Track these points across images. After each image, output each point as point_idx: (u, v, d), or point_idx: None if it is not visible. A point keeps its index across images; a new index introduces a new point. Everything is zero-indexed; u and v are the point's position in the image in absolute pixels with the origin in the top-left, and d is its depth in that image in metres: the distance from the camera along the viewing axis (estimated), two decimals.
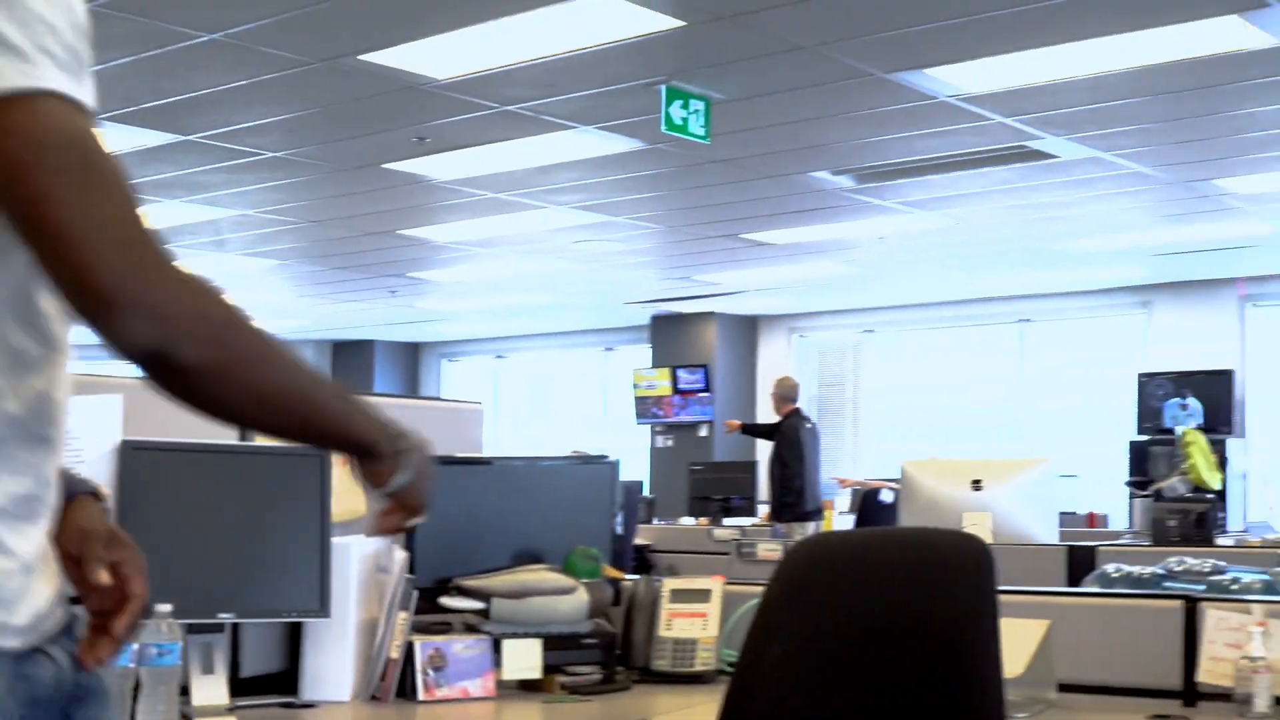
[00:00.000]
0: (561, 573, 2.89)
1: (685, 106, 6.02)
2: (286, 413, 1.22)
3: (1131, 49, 5.72)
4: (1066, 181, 8.19)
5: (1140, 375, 10.87)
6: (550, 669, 2.67)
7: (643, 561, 5.84)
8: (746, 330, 12.89)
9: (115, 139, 6.05)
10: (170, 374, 1.02)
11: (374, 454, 1.29)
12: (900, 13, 5.18)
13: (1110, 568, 3.82)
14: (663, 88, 5.83)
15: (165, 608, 1.99)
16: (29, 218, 0.95)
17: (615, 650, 2.86)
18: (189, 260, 1.02)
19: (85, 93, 0.98)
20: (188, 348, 1.00)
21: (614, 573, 3.10)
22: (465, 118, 6.50)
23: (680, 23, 5.16)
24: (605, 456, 3.63)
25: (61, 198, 0.95)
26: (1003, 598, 1.97)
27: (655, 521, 7.99)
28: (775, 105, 6.51)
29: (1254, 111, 6.65)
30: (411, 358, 15.23)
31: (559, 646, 2.74)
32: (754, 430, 10.01)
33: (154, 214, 1.22)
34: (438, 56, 5.54)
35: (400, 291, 12.24)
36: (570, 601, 2.83)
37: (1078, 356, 12.10)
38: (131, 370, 1.01)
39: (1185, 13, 5.23)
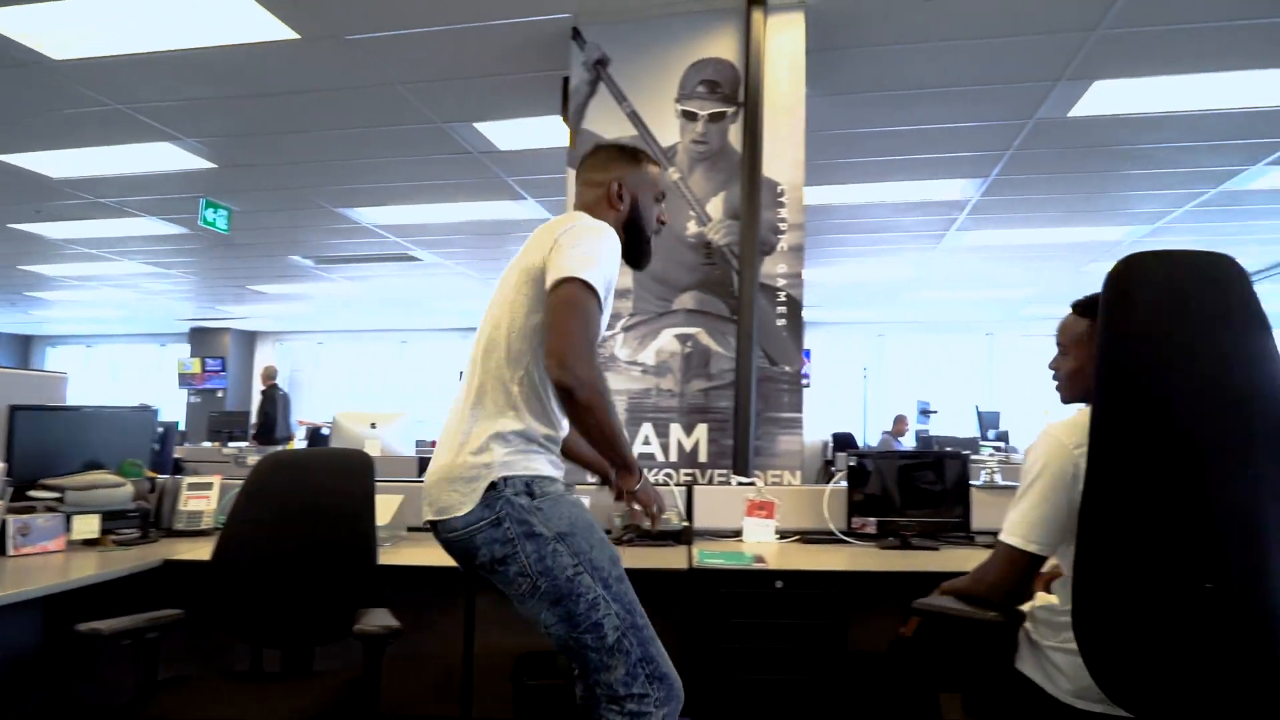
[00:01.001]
0: (116, 474, 3.03)
1: (215, 211, 6.33)
2: (604, 438, 1.70)
3: (461, 214, 6.67)
4: (426, 271, 9.11)
5: (460, 372, 12.82)
6: (106, 532, 2.80)
7: (178, 468, 5.50)
8: (249, 339, 14.42)
9: None
10: (569, 401, 1.63)
11: (629, 470, 1.81)
12: (345, 173, 5.64)
13: None
14: (202, 199, 6.17)
15: None
16: (548, 325, 1.63)
17: (150, 520, 2.99)
18: None
19: (601, 288, 1.64)
20: (584, 397, 1.61)
21: (151, 474, 3.22)
22: (70, 203, 6.45)
23: (214, 165, 5.47)
24: (149, 406, 3.90)
25: (560, 320, 1.60)
26: (380, 484, 2.34)
27: (186, 445, 8.32)
28: (272, 219, 6.95)
29: (518, 248, 8.72)
30: (25, 346, 15.57)
31: (112, 519, 2.86)
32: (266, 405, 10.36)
33: None
34: (53, 163, 5.47)
35: (18, 304, 12.16)
36: (121, 492, 2.94)
37: (450, 365, 13.61)
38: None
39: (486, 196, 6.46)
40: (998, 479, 3.18)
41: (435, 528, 1.78)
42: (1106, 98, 4.50)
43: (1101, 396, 1.50)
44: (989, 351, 13.61)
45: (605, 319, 1.74)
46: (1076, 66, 4.13)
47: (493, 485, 1.70)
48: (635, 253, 1.93)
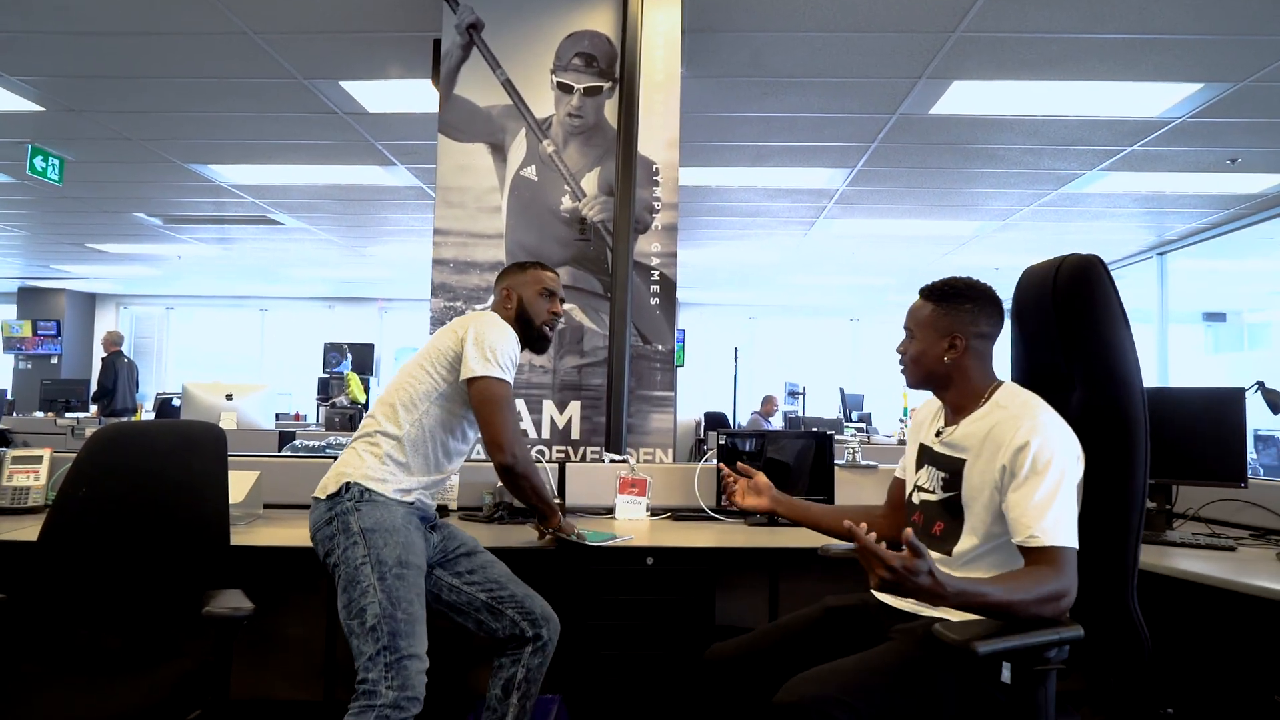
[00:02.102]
0: None
1: (45, 160, 5.93)
2: (534, 495, 2.31)
3: (326, 177, 6.62)
4: (288, 236, 8.89)
5: (325, 344, 11.85)
6: None
7: (4, 439, 5.59)
8: (88, 301, 13.31)
9: None
10: (509, 476, 2.21)
11: (552, 512, 2.44)
12: (196, 126, 5.45)
13: (298, 442, 4.46)
14: (29, 145, 5.73)
15: None
16: (480, 419, 2.16)
17: None
18: None
19: (508, 376, 2.15)
20: (521, 471, 2.21)
21: None
22: None
23: (41, 108, 5.10)
24: None
25: (489, 416, 2.15)
26: (233, 459, 2.28)
27: (16, 415, 7.95)
28: (113, 171, 6.54)
29: (388, 216, 7.83)
30: None
31: None
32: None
33: None
34: None
35: None
36: None
37: (314, 336, 12.76)
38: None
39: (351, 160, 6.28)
40: (859, 458, 3.34)
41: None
42: (964, 98, 4.78)
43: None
44: (854, 336, 14.25)
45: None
46: (937, 66, 4.36)
47: (346, 487, 2.11)
48: (529, 340, 2.39)
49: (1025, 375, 1.92)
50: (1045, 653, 1.57)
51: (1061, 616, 1.59)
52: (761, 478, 2.19)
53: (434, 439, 2.21)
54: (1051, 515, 1.61)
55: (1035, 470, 1.64)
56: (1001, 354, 1.94)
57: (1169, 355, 8.86)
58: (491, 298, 2.53)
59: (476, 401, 2.16)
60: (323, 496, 2.14)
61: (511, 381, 2.19)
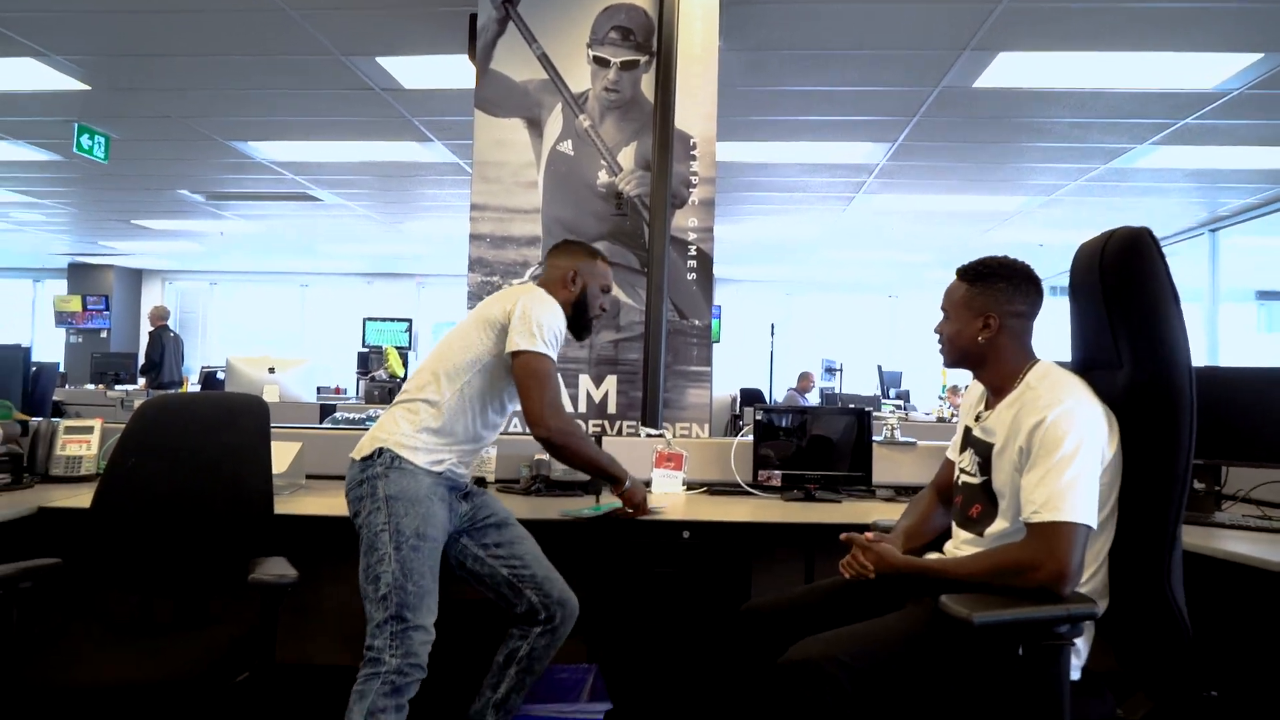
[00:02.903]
0: None
1: (92, 138, 6.01)
2: (586, 465, 2.33)
3: (364, 153, 6.63)
4: (327, 212, 8.95)
5: (364, 317, 12.34)
6: None
7: (58, 410, 5.91)
8: (135, 277, 13.63)
9: None
10: (550, 447, 2.21)
11: (615, 480, 2.38)
12: (236, 103, 5.47)
13: (339, 415, 4.47)
14: (76, 123, 5.82)
15: None
16: (520, 393, 2.16)
17: (23, 464, 2.86)
18: None
19: (552, 352, 2.16)
20: (559, 442, 2.20)
21: (22, 416, 3.12)
22: None
23: (87, 87, 5.15)
24: (19, 344, 3.89)
25: (528, 390, 2.15)
26: (276, 431, 2.34)
27: (68, 387, 8.19)
28: (156, 149, 6.61)
29: (425, 192, 7.87)
30: None
31: None
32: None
33: None
34: None
35: None
36: None
37: (353, 311, 13.22)
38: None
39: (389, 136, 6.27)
40: (897, 435, 3.31)
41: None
42: (1010, 70, 4.67)
43: None
44: (892, 313, 14.08)
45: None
46: (983, 37, 4.26)
47: (379, 452, 2.13)
48: (578, 326, 2.40)
49: (1078, 355, 1.89)
50: (1055, 628, 1.56)
51: (1052, 588, 1.58)
52: (883, 546, 1.92)
53: (473, 409, 2.21)
54: (1049, 489, 1.61)
55: (1045, 447, 1.64)
56: (1060, 335, 1.92)
57: (1219, 334, 8.64)
58: (530, 270, 2.52)
59: (519, 375, 2.16)
60: (358, 458, 2.17)
61: (555, 358, 2.19)
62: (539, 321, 2.16)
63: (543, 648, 2.28)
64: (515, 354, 2.16)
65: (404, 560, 2.02)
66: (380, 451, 2.14)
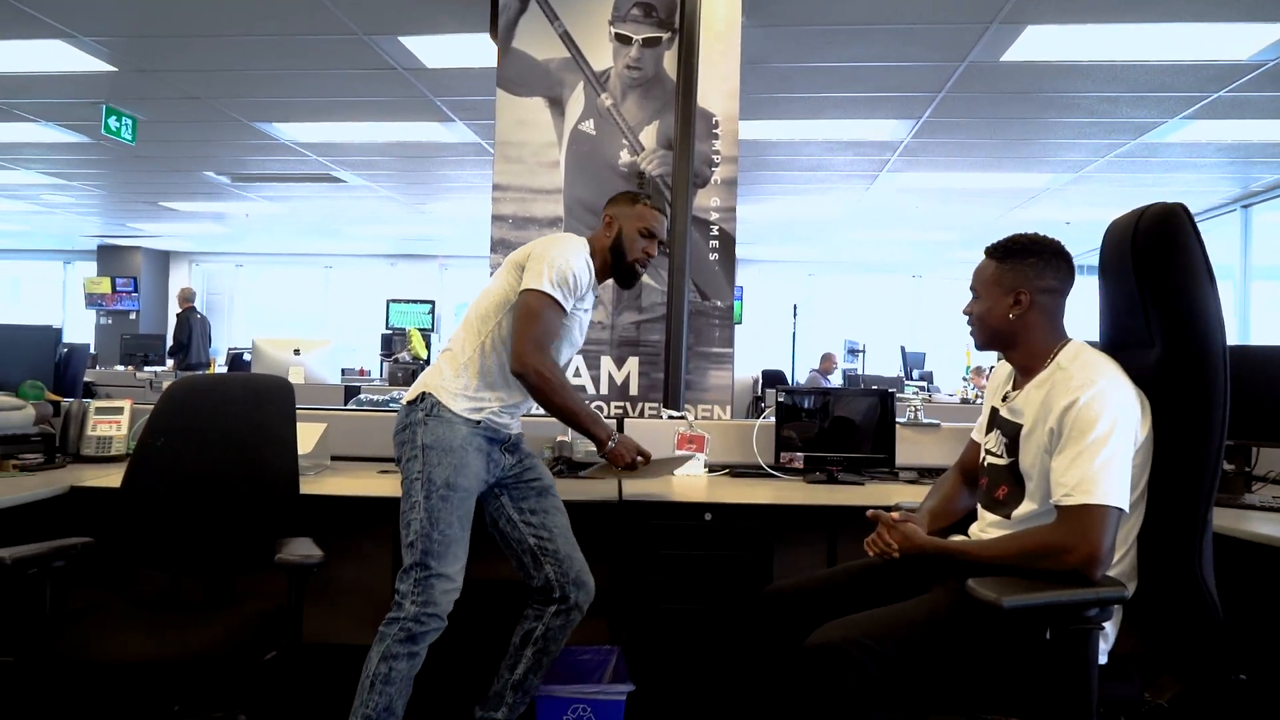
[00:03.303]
0: (14, 396, 2.93)
1: (119, 119, 6.08)
2: (561, 413, 2.17)
3: (386, 134, 6.65)
4: (350, 194, 8.98)
5: (387, 299, 12.32)
6: (6, 457, 2.72)
7: (89, 391, 5.60)
8: (163, 259, 13.78)
9: None
10: (527, 386, 2.12)
11: (600, 441, 2.24)
12: (261, 84, 5.51)
13: (363, 396, 4.49)
14: (103, 105, 5.88)
15: None
16: (514, 328, 2.10)
17: (55, 444, 2.89)
18: None
19: (559, 296, 2.09)
20: (533, 381, 2.10)
21: (54, 397, 3.14)
22: None
23: (114, 68, 5.18)
24: (51, 326, 3.74)
25: (518, 326, 2.10)
26: (301, 412, 2.32)
27: (99, 368, 8.21)
28: (183, 130, 6.63)
29: (447, 173, 7.98)
30: None
31: (12, 443, 2.77)
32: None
33: None
34: None
35: None
36: (20, 415, 2.84)
37: (376, 293, 13.17)
38: None
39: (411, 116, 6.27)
40: (921, 417, 3.28)
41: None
42: (1038, 43, 4.57)
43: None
44: (916, 293, 13.95)
45: (589, 304, 2.29)
46: (1010, 10, 4.17)
47: (422, 397, 2.16)
48: (619, 272, 2.34)
49: (1109, 335, 1.86)
50: (1084, 611, 1.54)
51: (1084, 572, 1.56)
52: (909, 526, 1.89)
53: (503, 350, 2.20)
54: (1082, 472, 1.58)
55: (1078, 429, 1.61)
56: (1087, 314, 1.88)
57: (1251, 313, 8.47)
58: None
59: (517, 312, 2.15)
60: (405, 402, 2.21)
61: (562, 301, 2.13)
62: (550, 262, 2.14)
63: (558, 628, 2.27)
64: (522, 292, 2.15)
65: (432, 509, 2.06)
66: (423, 396, 2.16)
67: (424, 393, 2.17)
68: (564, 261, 2.14)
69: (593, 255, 2.29)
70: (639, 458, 2.28)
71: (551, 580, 2.26)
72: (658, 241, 2.38)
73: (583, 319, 2.33)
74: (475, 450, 2.15)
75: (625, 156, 3.49)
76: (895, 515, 1.95)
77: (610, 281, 2.40)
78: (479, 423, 2.17)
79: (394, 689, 2.01)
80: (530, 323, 2.10)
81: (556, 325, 2.16)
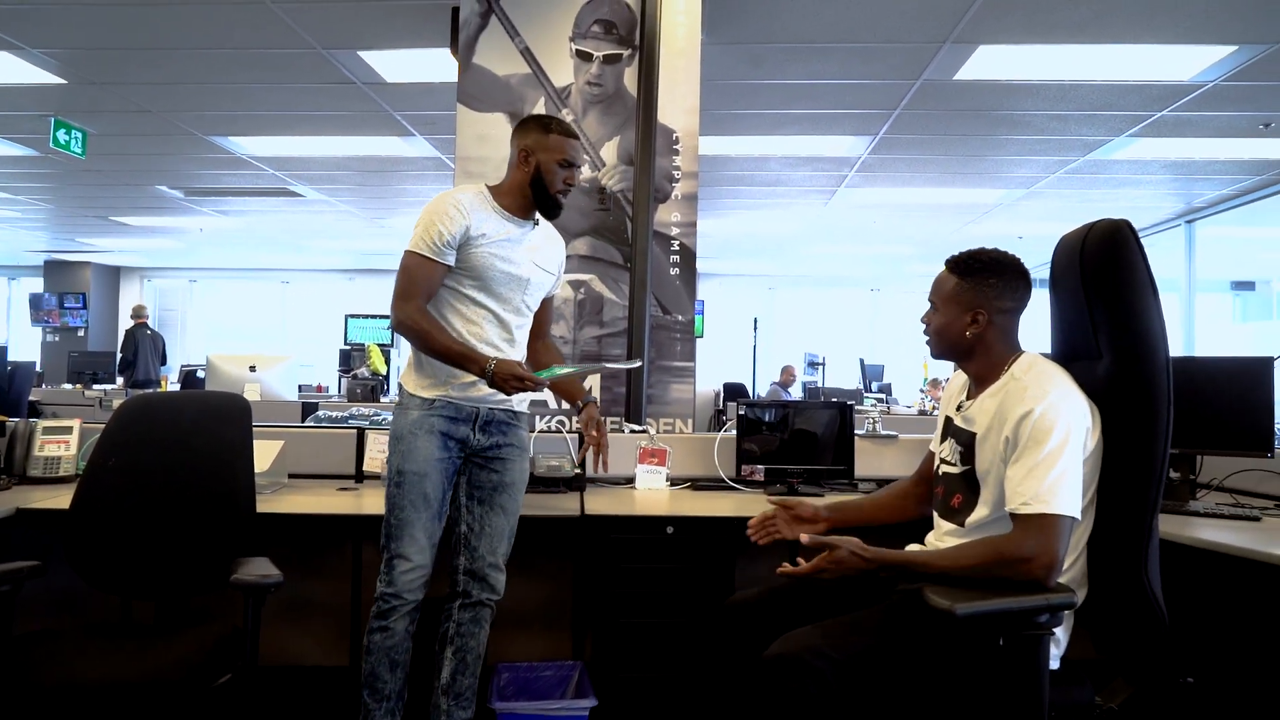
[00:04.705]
0: None
1: (68, 133, 5.92)
2: (434, 352, 2.15)
3: (345, 148, 6.63)
4: (308, 208, 8.91)
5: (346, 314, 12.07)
6: None
7: (35, 410, 5.82)
8: (113, 274, 13.47)
9: None
10: (404, 338, 2.16)
11: (481, 373, 2.11)
12: (216, 98, 5.44)
13: (321, 413, 4.29)
14: (52, 118, 5.73)
15: None
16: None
17: (0, 465, 2.85)
18: None
19: (423, 249, 2.12)
20: (401, 332, 2.15)
21: (1, 417, 3.02)
22: None
23: (63, 80, 5.08)
24: None
25: (395, 283, 2.15)
26: (258, 429, 2.29)
27: (45, 387, 8.08)
28: (135, 144, 6.54)
29: (407, 187, 7.80)
30: None
31: None
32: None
33: None
34: None
35: None
36: None
37: (334, 308, 12.92)
38: None
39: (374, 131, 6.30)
40: (879, 429, 3.32)
41: None
42: (990, 63, 4.68)
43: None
44: (874, 306, 14.14)
45: (498, 236, 2.22)
46: (963, 29, 4.27)
47: (400, 389, 2.29)
48: (544, 205, 2.27)
49: (1060, 347, 1.90)
50: (1036, 618, 1.58)
51: (1042, 580, 1.60)
52: (804, 506, 2.09)
53: (446, 323, 2.22)
54: (1039, 482, 1.62)
55: (1034, 439, 1.65)
56: (1040, 326, 1.92)
57: (1195, 324, 8.72)
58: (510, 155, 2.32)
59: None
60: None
61: (427, 253, 2.15)
62: (421, 222, 2.19)
63: (468, 621, 2.25)
64: None
65: (390, 496, 2.19)
66: (400, 387, 2.29)
67: (400, 384, 2.29)
68: (426, 217, 2.18)
69: (505, 195, 2.27)
70: (524, 380, 2.10)
71: (457, 570, 2.27)
72: (577, 169, 2.31)
73: (499, 253, 2.20)
74: (426, 432, 2.19)
75: (587, 172, 3.50)
76: (809, 511, 2.07)
77: (570, 298, 2.40)
78: (434, 401, 2.21)
79: (374, 659, 2.16)
80: (401, 279, 2.16)
81: (423, 276, 2.16)
